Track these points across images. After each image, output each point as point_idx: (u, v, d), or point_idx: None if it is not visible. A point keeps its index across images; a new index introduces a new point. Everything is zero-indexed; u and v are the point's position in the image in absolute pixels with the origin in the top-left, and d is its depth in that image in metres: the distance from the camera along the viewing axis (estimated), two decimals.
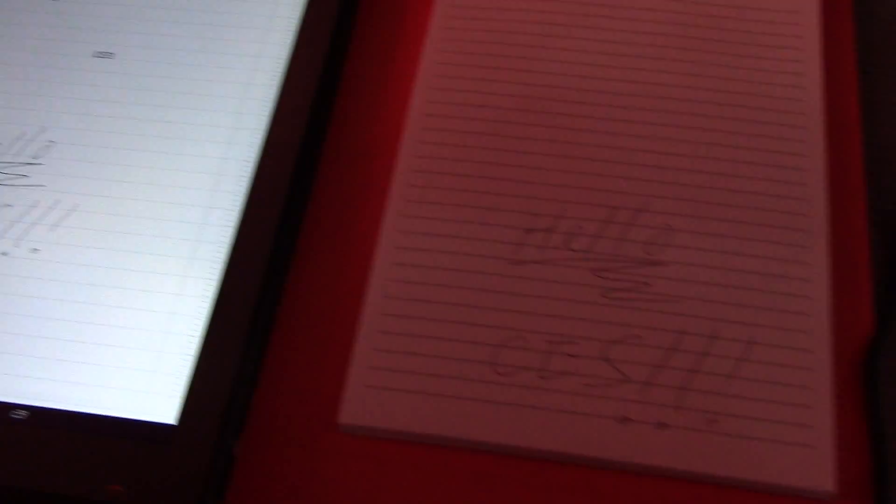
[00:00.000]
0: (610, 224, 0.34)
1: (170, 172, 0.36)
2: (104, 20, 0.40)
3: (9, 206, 0.36)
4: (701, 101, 0.37)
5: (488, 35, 0.39)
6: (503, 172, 0.36)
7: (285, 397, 0.33)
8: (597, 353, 0.32)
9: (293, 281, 0.35)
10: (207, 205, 0.35)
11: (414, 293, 0.34)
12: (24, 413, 0.32)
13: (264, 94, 0.38)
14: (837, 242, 0.34)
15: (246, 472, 0.31)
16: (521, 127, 0.37)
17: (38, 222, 0.35)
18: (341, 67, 0.40)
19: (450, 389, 0.32)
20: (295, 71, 0.38)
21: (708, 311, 0.33)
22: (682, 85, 0.37)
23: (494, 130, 0.37)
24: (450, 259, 0.34)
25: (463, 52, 0.39)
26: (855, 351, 0.32)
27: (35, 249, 0.35)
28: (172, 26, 0.40)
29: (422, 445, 0.31)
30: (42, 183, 0.36)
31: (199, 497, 0.30)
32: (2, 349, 0.33)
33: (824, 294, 0.33)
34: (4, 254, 0.35)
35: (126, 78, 0.39)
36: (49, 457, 0.31)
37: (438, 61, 0.39)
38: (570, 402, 0.31)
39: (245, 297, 0.33)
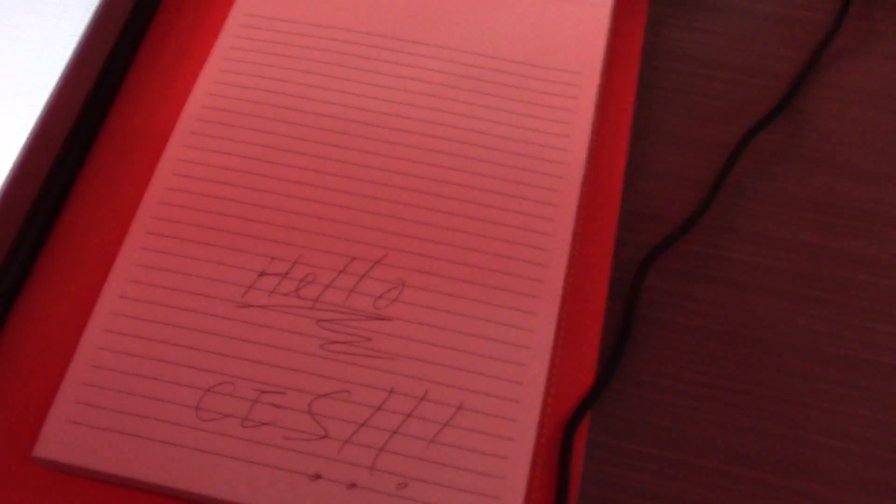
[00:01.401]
0: (344, 274, 0.34)
1: None
2: None
3: None
4: (448, 156, 0.37)
5: (263, 62, 0.39)
6: (249, 212, 0.35)
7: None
8: (303, 405, 0.32)
9: (21, 302, 0.34)
10: None
11: (135, 329, 0.33)
12: None
13: (43, 84, 0.37)
14: (572, 308, 0.34)
15: None
16: (273, 166, 0.36)
17: None
18: (130, 59, 0.39)
19: (152, 432, 0.31)
20: (82, 54, 0.38)
21: (424, 371, 0.32)
22: (434, 138, 0.37)
23: (248, 167, 0.36)
24: (179, 297, 0.34)
25: (234, 84, 0.38)
26: (562, 420, 0.32)
27: None
28: None
29: (118, 486, 0.31)
30: None
31: None
32: None
33: (543, 363, 0.33)
34: None
35: None
36: None
37: (211, 82, 0.38)
38: (267, 454, 0.31)
39: None
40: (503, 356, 0.33)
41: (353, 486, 0.30)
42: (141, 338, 0.33)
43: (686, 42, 0.42)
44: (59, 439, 0.31)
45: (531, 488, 0.31)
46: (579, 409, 0.32)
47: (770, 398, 0.34)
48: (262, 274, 0.34)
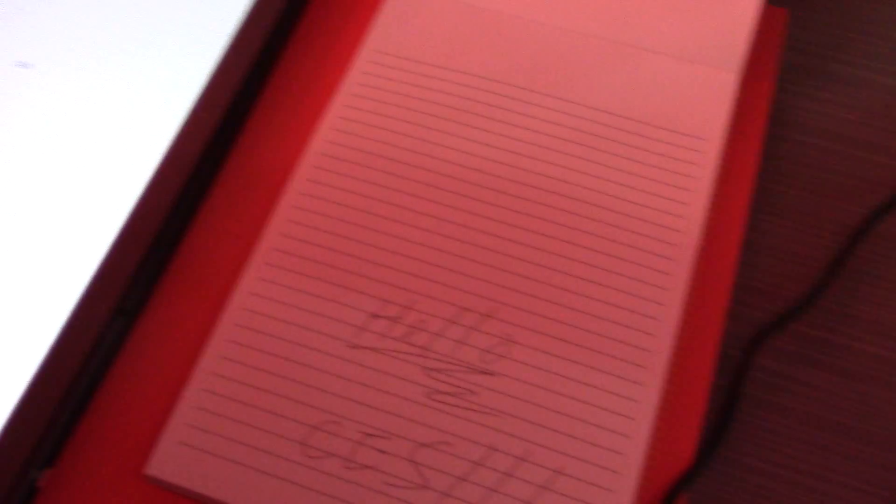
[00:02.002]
0: (454, 325, 0.35)
1: (49, 209, 0.37)
2: (25, 30, 0.41)
3: None
4: (565, 214, 0.37)
5: (387, 106, 0.39)
6: (365, 252, 0.36)
7: (104, 438, 0.33)
8: (406, 453, 0.32)
9: (142, 323, 0.36)
10: (79, 221, 0.36)
11: (249, 359, 0.34)
12: None
13: (175, 113, 0.39)
14: (677, 380, 0.34)
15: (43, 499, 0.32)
16: (392, 208, 0.37)
17: None
18: (259, 92, 0.41)
19: (258, 463, 0.32)
20: (211, 87, 0.39)
21: (525, 431, 0.33)
22: (552, 194, 0.37)
23: (367, 207, 0.37)
24: (293, 331, 0.35)
25: (359, 122, 0.39)
26: (658, 494, 0.32)
27: None
28: (90, 36, 0.41)
29: None
30: None
31: None
32: None
33: (645, 434, 0.33)
34: None
35: (42, 91, 0.40)
36: None
37: (337, 118, 0.39)
38: (367, 497, 0.32)
39: (88, 332, 0.34)
40: (605, 424, 0.33)
41: None
42: (254, 368, 0.34)
43: (812, 113, 0.41)
44: (171, 460, 0.32)
45: None
46: (677, 486, 0.32)
47: (871, 495, 0.33)
48: (374, 316, 0.35)
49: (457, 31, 0.41)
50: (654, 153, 0.38)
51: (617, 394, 0.33)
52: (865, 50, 0.43)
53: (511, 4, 0.42)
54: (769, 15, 0.43)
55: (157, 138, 0.38)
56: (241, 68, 0.40)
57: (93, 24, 0.41)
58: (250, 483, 0.32)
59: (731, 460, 0.34)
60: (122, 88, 0.40)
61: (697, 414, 0.34)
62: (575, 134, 0.39)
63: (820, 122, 0.41)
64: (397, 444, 0.32)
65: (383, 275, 0.36)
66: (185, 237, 0.37)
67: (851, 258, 0.37)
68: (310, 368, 0.34)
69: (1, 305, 0.35)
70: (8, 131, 0.39)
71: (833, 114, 0.41)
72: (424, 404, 0.33)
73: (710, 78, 0.40)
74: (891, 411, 0.34)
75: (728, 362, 0.35)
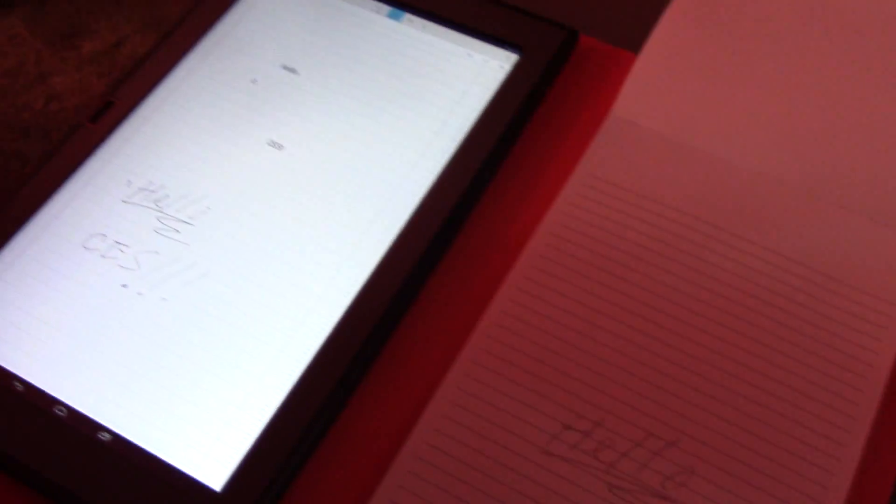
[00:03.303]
0: (640, 447, 0.37)
1: (294, 268, 0.42)
2: (281, 115, 0.47)
3: (156, 252, 0.42)
4: (753, 357, 0.39)
5: (597, 224, 0.43)
6: (564, 365, 0.39)
7: (322, 492, 0.38)
8: None
9: (366, 386, 0.40)
10: (316, 297, 0.41)
11: (450, 448, 0.38)
12: (107, 436, 0.38)
13: (415, 190, 0.43)
14: None
15: None
16: (592, 327, 0.40)
17: (174, 276, 0.42)
18: (480, 195, 0.45)
19: None
20: (457, 160, 0.44)
21: None
22: (742, 336, 0.40)
23: (569, 323, 0.40)
24: (491, 429, 0.38)
25: (568, 240, 0.43)
26: None
27: (164, 298, 0.41)
28: (338, 121, 0.46)
29: None
30: (188, 241, 0.43)
31: None
32: (108, 373, 0.39)
33: None
34: (139, 294, 0.41)
35: (289, 169, 0.45)
36: (111, 480, 0.37)
37: (548, 233, 0.43)
38: None
39: (315, 396, 0.38)
40: None
41: None
42: (452, 456, 0.38)
43: None
44: None
45: None
46: None
47: None
48: (567, 427, 0.38)
49: (664, 166, 0.44)
50: (840, 309, 0.40)
51: None
52: None
53: (715, 146, 0.45)
54: None
55: (384, 230, 0.43)
56: (467, 173, 0.44)
57: (335, 109, 0.47)
58: None
59: None
60: (354, 182, 0.44)
61: None
62: (765, 279, 0.41)
63: None
64: None
65: (579, 389, 0.39)
66: (399, 327, 0.42)
67: None
68: (503, 466, 0.37)
69: (239, 368, 0.39)
70: (259, 202, 0.44)
71: None
72: None
73: None
74: None
75: None
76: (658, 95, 0.46)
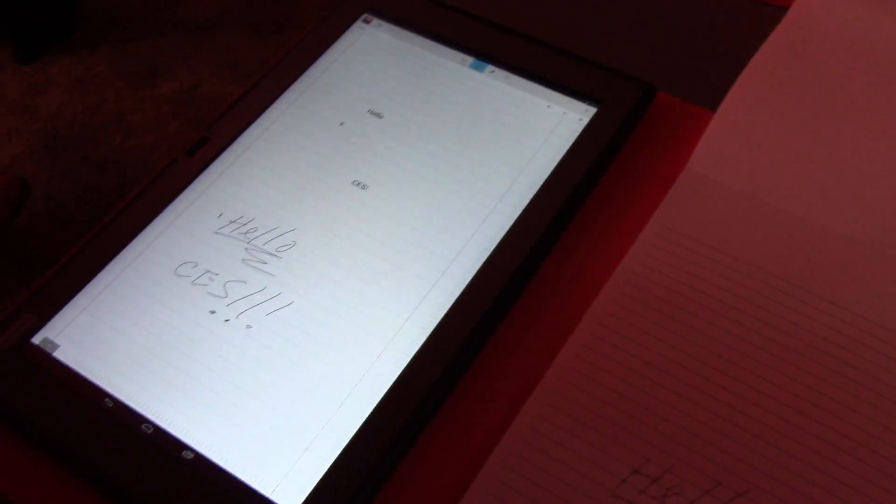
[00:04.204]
0: (708, 496, 0.38)
1: (374, 303, 0.43)
2: (366, 157, 0.49)
3: (244, 282, 0.44)
4: (833, 420, 0.39)
5: (670, 275, 0.44)
6: (635, 410, 0.40)
7: None
8: None
9: (441, 418, 0.41)
10: (394, 330, 0.42)
11: (520, 484, 0.39)
12: (190, 454, 0.39)
13: (493, 234, 0.45)
14: None
15: None
16: (662, 374, 0.41)
17: (259, 304, 0.44)
18: (572, 218, 0.47)
19: None
20: (534, 207, 0.46)
21: None
22: (817, 393, 0.40)
23: (640, 370, 0.41)
24: (561, 469, 0.39)
25: (641, 287, 0.44)
26: None
27: (249, 326, 0.43)
28: (420, 165, 0.48)
29: None
30: (274, 273, 0.45)
31: None
32: (194, 395, 0.41)
33: None
34: (226, 320, 0.43)
35: (372, 208, 0.47)
36: (192, 498, 0.38)
37: (618, 289, 0.44)
38: None
39: (390, 426, 0.40)
40: None
41: None
42: (522, 495, 0.38)
43: None
44: None
45: None
46: None
47: None
48: (635, 472, 0.39)
49: (737, 220, 0.45)
50: None
51: None
52: None
53: (789, 203, 0.45)
54: None
55: (462, 270, 0.44)
56: (543, 221, 0.46)
57: (418, 153, 0.48)
58: None
59: None
60: (434, 222, 0.46)
61: None
62: (837, 336, 0.42)
63: None
64: None
65: (648, 434, 0.39)
66: (473, 364, 0.43)
67: None
68: None
69: (318, 395, 0.41)
70: (342, 238, 0.46)
71: None
72: None
73: None
74: None
75: None
76: (733, 151, 0.47)
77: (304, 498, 0.38)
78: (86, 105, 1.66)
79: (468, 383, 0.42)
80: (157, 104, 1.66)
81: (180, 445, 0.40)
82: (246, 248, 0.46)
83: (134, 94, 1.68)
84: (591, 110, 0.49)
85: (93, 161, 1.58)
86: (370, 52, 0.53)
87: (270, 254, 0.45)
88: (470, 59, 0.52)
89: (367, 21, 0.55)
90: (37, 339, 0.43)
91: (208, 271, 0.45)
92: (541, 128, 0.49)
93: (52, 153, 1.60)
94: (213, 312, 0.43)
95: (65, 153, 1.60)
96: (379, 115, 0.51)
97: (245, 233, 0.46)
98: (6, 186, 1.46)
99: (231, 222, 0.47)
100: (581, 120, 0.49)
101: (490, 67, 0.52)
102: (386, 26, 0.54)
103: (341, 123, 0.50)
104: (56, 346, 0.43)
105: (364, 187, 0.48)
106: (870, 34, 0.50)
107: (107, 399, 0.41)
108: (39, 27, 1.63)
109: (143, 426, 0.40)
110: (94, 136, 1.62)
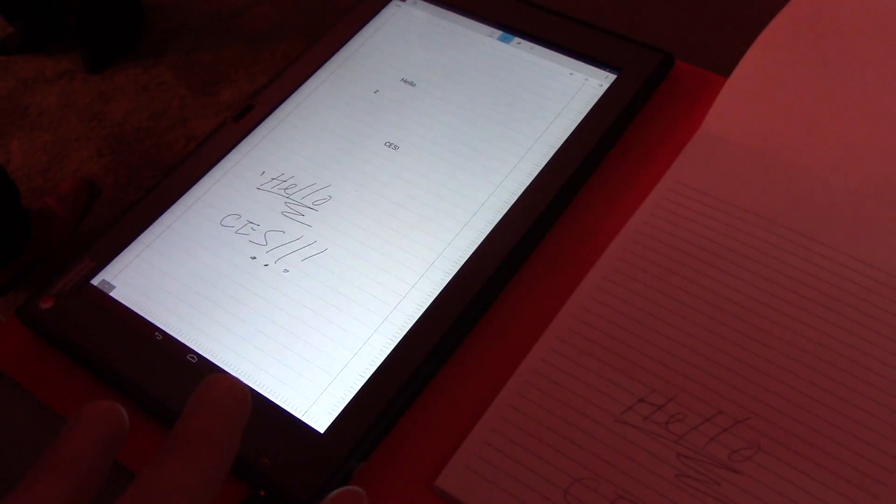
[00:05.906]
0: (709, 423, 0.40)
1: (402, 250, 0.47)
2: (398, 121, 0.52)
3: (282, 231, 0.48)
4: (830, 354, 0.41)
5: (681, 224, 0.46)
6: (643, 346, 0.43)
7: (408, 447, 0.42)
8: None
9: (450, 365, 0.44)
10: (418, 275, 0.45)
11: (531, 411, 0.41)
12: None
13: (514, 188, 0.48)
14: None
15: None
16: (670, 315, 0.43)
17: (296, 251, 0.47)
18: (590, 176, 0.50)
19: (527, 498, 0.39)
20: (553, 165, 0.49)
21: None
22: (821, 333, 0.42)
23: (650, 310, 0.44)
24: (570, 396, 0.41)
25: (652, 237, 0.46)
26: None
27: (286, 270, 0.47)
28: (449, 128, 0.51)
29: None
30: (310, 224, 0.48)
31: (317, 491, 0.39)
32: (235, 330, 0.45)
33: None
34: (266, 265, 0.47)
35: (403, 167, 0.50)
36: None
37: (635, 229, 0.46)
38: None
39: (412, 360, 0.43)
40: None
41: None
42: (534, 419, 0.41)
43: None
44: (457, 479, 0.40)
45: None
46: None
47: None
48: (641, 400, 0.41)
49: (747, 174, 0.48)
50: None
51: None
52: None
53: (796, 156, 0.47)
54: None
55: (484, 222, 0.47)
56: (562, 176, 0.48)
57: (447, 118, 0.52)
58: None
59: None
60: (460, 179, 0.49)
61: None
62: (837, 279, 0.43)
63: None
64: None
65: (655, 367, 0.42)
66: (493, 306, 0.46)
67: None
68: (579, 430, 0.40)
69: (347, 331, 0.44)
70: (374, 193, 0.49)
71: None
72: (672, 483, 0.39)
73: None
74: None
75: None
76: (746, 112, 0.50)
77: (331, 420, 0.41)
78: (151, 112, 1.74)
79: (488, 322, 0.45)
80: (218, 111, 1.72)
81: (220, 372, 0.43)
82: (285, 202, 0.49)
83: (196, 101, 1.75)
84: (611, 77, 0.52)
85: (157, 165, 1.65)
86: (405, 27, 0.57)
87: (307, 207, 0.49)
88: (498, 33, 0.56)
89: (403, 0, 0.58)
90: (95, 281, 0.47)
91: (250, 222, 0.49)
92: (563, 93, 0.52)
93: (118, 158, 1.67)
94: (253, 258, 0.47)
95: (130, 158, 1.68)
96: (412, 84, 0.54)
97: (285, 188, 0.50)
98: (76, 188, 1.54)
99: (272, 179, 0.50)
100: (601, 86, 0.52)
101: (517, 39, 0.55)
102: (420, 3, 0.58)
103: (376, 91, 0.54)
104: (112, 287, 0.47)
105: (395, 148, 0.51)
106: (879, 1, 0.52)
107: (157, 333, 0.45)
108: (108, 38, 1.71)
109: (188, 356, 0.44)
110: (159, 142, 1.69)
